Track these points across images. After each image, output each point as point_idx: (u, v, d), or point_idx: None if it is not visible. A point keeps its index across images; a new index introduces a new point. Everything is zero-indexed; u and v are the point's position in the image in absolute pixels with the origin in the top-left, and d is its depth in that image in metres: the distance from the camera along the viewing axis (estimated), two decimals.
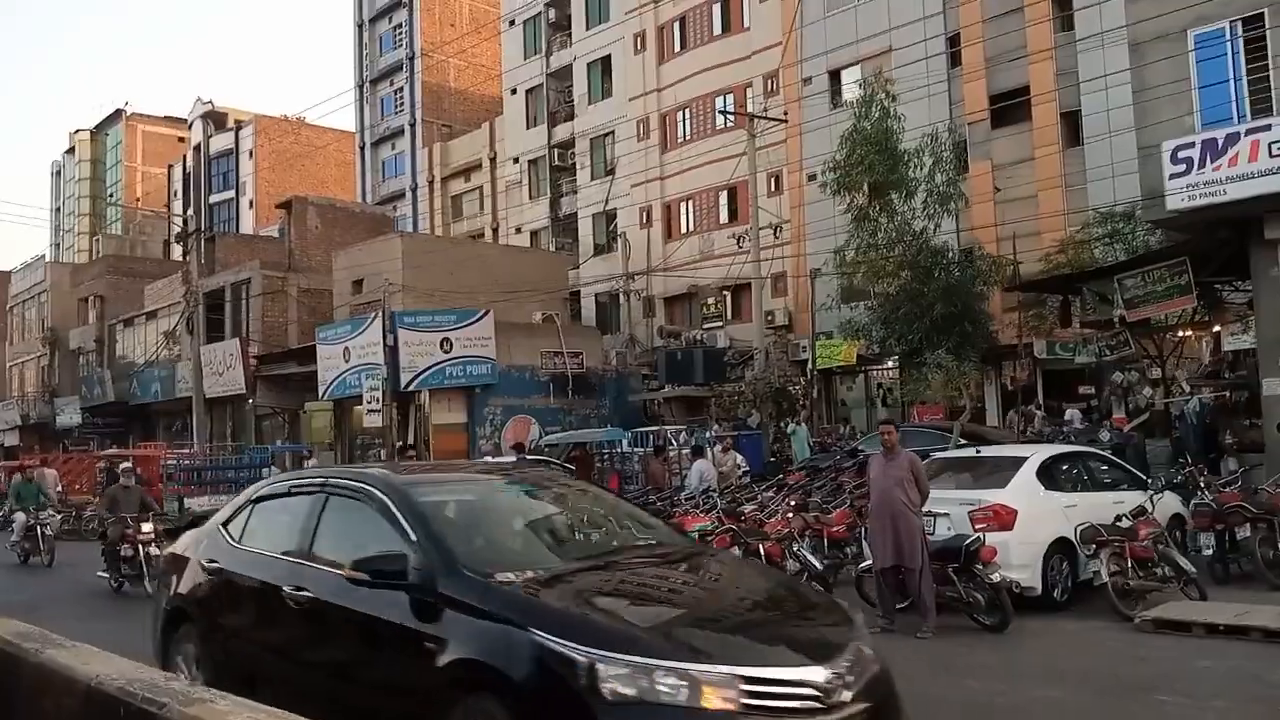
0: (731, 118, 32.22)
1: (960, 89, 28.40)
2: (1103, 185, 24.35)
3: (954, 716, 6.76)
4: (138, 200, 70.17)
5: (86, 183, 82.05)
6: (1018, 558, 9.73)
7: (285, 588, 5.30)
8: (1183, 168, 13.58)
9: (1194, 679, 7.57)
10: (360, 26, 54.22)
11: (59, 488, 25.66)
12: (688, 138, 36.12)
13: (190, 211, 55.48)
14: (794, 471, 18.02)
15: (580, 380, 30.40)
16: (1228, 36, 14.01)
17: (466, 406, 28.81)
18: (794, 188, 31.84)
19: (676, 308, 36.50)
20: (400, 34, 52.10)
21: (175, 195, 65.66)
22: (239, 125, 62.29)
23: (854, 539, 12.15)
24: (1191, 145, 13.58)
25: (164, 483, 25.20)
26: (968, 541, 9.29)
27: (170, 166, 68.88)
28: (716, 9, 35.68)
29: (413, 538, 4.92)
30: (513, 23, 44.38)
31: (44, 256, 62.06)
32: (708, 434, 22.75)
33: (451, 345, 28.02)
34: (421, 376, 27.81)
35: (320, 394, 30.69)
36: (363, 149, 53.86)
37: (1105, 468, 11.90)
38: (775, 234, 28.82)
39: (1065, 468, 11.28)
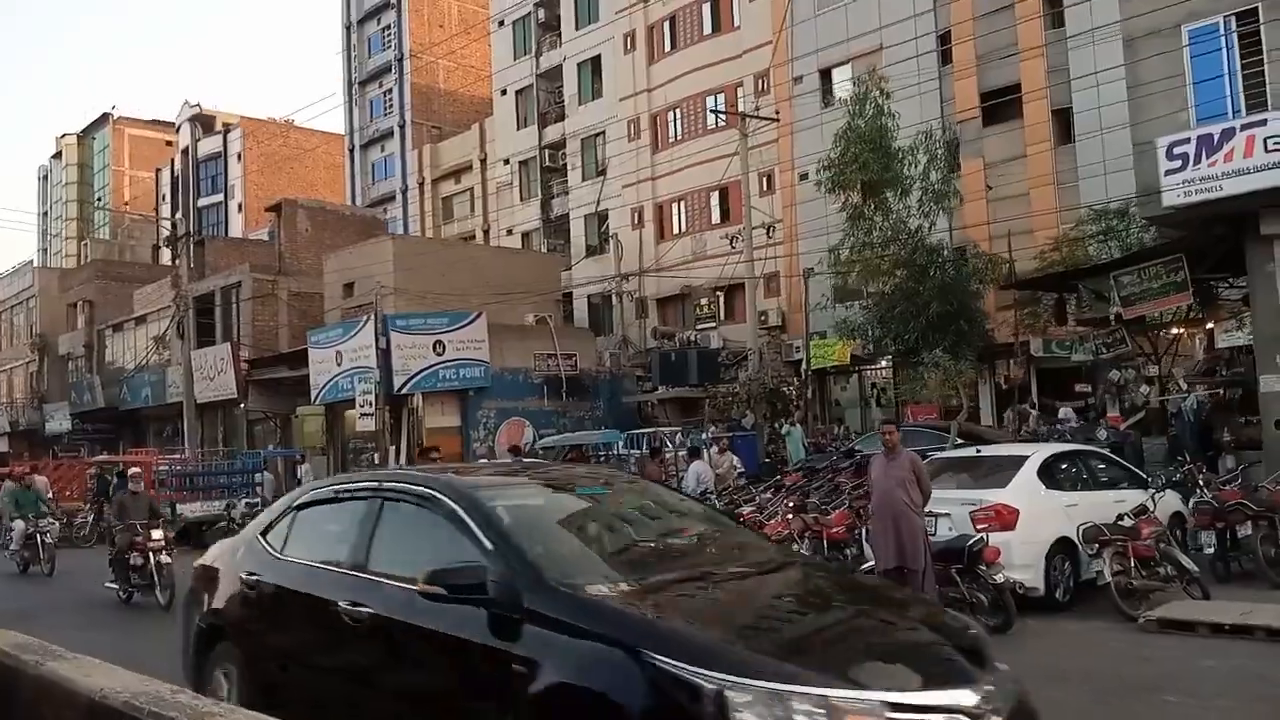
0: (723, 117, 32.20)
1: (951, 87, 28.38)
2: (1095, 183, 24.36)
3: None
4: (126, 204, 69.83)
5: (74, 187, 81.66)
6: (1020, 558, 9.69)
7: (340, 603, 4.83)
8: (1178, 163, 13.56)
9: (1198, 679, 7.52)
10: (348, 28, 54.04)
11: (50, 494, 25.47)
12: (679, 138, 36.05)
13: (179, 215, 55.16)
14: (791, 472, 17.94)
15: (574, 382, 30.31)
16: (1222, 31, 14.01)
17: (460, 410, 28.69)
18: (785, 187, 31.82)
19: (669, 309, 36.43)
20: (389, 35, 51.95)
21: (163, 199, 65.39)
22: (227, 128, 62.09)
23: (854, 540, 12.09)
24: (1187, 141, 13.56)
25: (156, 489, 24.95)
26: (970, 542, 9.24)
27: (158, 170, 68.60)
28: (706, 8, 35.60)
29: (488, 547, 4.46)
30: (502, 23, 44.26)
31: (32, 262, 61.72)
32: (704, 435, 22.68)
33: (444, 348, 27.91)
34: (414, 380, 27.69)
35: (312, 398, 30.54)
36: (352, 151, 53.69)
37: (1105, 466, 11.87)
38: (768, 234, 28.78)
39: (1065, 466, 11.25)
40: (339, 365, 28.89)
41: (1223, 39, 14.04)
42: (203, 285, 36.94)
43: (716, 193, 34.16)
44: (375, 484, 5.56)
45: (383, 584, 4.77)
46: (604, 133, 38.73)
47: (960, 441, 16.46)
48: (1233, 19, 13.96)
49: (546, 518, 5.21)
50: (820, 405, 30.50)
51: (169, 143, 70.93)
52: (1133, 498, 10.70)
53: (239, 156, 60.15)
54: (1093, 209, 20.95)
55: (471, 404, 28.62)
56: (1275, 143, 12.91)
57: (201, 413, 34.15)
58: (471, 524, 4.63)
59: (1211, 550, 11.05)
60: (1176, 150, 13.61)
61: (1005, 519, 9.83)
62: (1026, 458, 10.96)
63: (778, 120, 29.91)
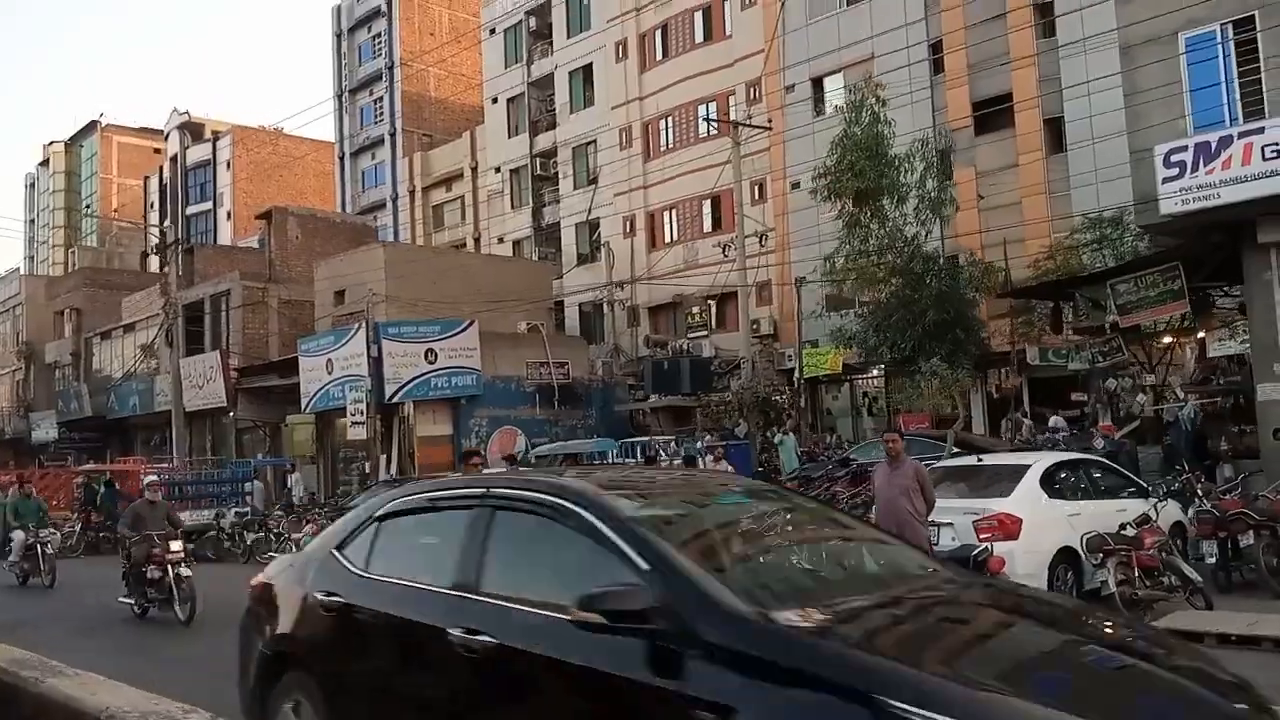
0: (715, 126, 32.19)
1: (943, 96, 28.43)
2: (1087, 191, 24.43)
3: None
4: (115, 211, 69.49)
5: (61, 195, 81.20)
6: (1023, 567, 9.59)
7: (452, 630, 4.14)
8: (1175, 171, 13.56)
9: None
10: (339, 36, 53.94)
11: None
12: (670, 146, 36.04)
13: (167, 223, 54.90)
14: (786, 482, 17.86)
15: (566, 390, 30.21)
16: (1219, 39, 14.01)
17: (452, 418, 28.55)
18: (778, 196, 31.83)
19: (661, 317, 36.37)
20: (379, 43, 51.86)
21: (152, 207, 65.03)
22: (216, 136, 61.83)
23: None
24: (1184, 149, 13.56)
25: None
26: (976, 552, 9.15)
27: (146, 178, 68.26)
28: (698, 17, 35.65)
29: (643, 566, 3.78)
30: (493, 31, 44.23)
31: (18, 269, 61.33)
32: (698, 444, 22.61)
33: (436, 356, 27.78)
34: (406, 388, 27.55)
35: (303, 406, 30.35)
36: (342, 159, 53.56)
37: (1106, 475, 11.81)
38: (761, 242, 28.75)
39: (1066, 476, 11.18)
40: (330, 373, 28.73)
41: (1220, 46, 14.04)
42: (192, 293, 36.75)
43: (708, 201, 34.17)
44: (481, 491, 4.87)
45: (505, 608, 4.12)
46: (595, 141, 38.73)
47: (956, 450, 16.40)
48: (1230, 26, 13.97)
49: (698, 531, 4.54)
50: (812, 414, 30.49)
51: (157, 150, 70.57)
52: (1134, 507, 10.64)
53: (228, 164, 59.92)
54: (1087, 217, 20.93)
55: (463, 412, 28.48)
56: (1273, 150, 12.91)
57: (190, 421, 33.92)
58: (617, 539, 3.95)
59: (1213, 560, 10.99)
60: (1174, 158, 13.60)
61: (1009, 529, 9.75)
62: (1028, 467, 10.88)
63: (770, 129, 29.89)
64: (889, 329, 18.23)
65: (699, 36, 35.63)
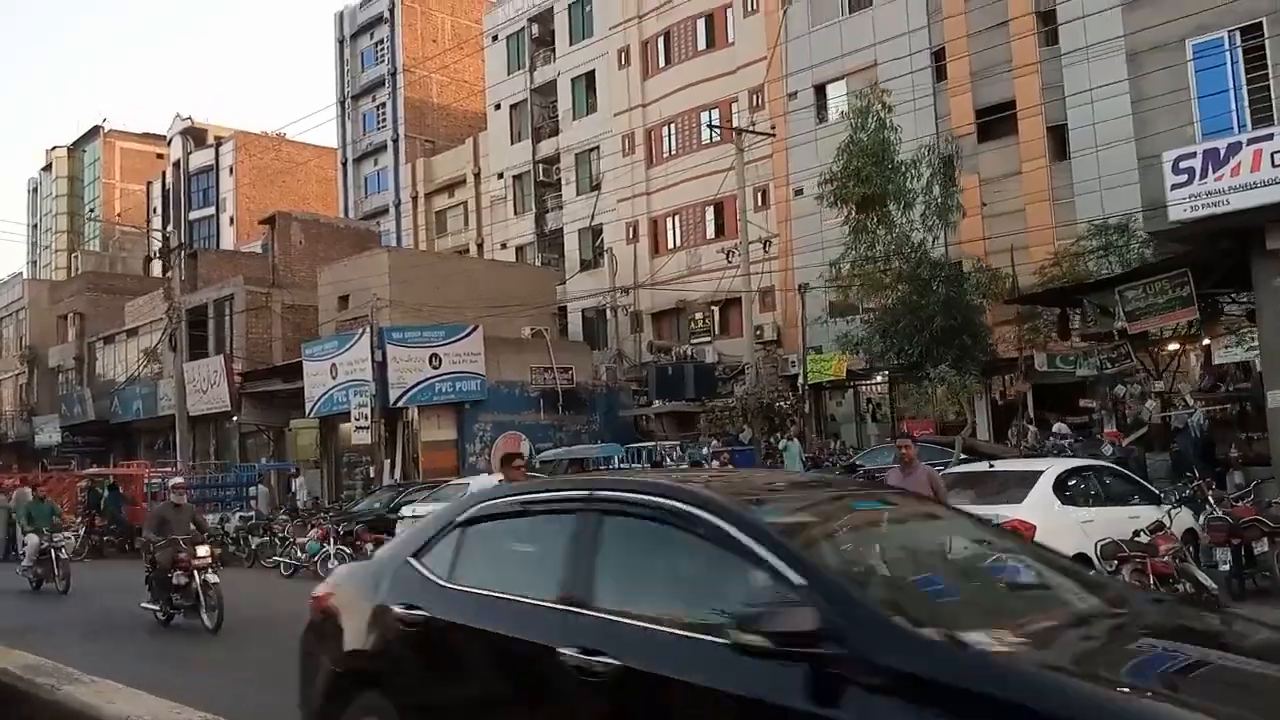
0: (717, 132, 32.20)
1: (946, 103, 28.41)
2: (1090, 199, 24.36)
3: None
4: (119, 215, 69.52)
5: (64, 200, 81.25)
6: None
7: (563, 650, 3.71)
8: (1184, 178, 13.52)
9: None
10: (341, 42, 53.99)
11: None
12: (673, 153, 36.04)
13: (170, 228, 54.95)
14: None
15: (570, 396, 30.20)
16: (1227, 46, 13.99)
17: (456, 423, 28.54)
18: (781, 202, 31.84)
19: (664, 323, 36.35)
20: (382, 50, 51.91)
21: (154, 212, 65.09)
22: (219, 141, 61.88)
23: None
24: (1193, 155, 13.52)
25: (149, 502, 24.75)
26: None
27: (149, 183, 68.29)
28: (701, 24, 35.66)
29: (796, 580, 3.33)
30: (496, 38, 44.29)
31: (21, 273, 61.36)
32: (704, 450, 22.57)
33: (440, 361, 27.78)
34: (410, 393, 27.54)
35: (307, 411, 30.33)
36: (345, 165, 53.58)
37: (1117, 482, 11.76)
38: (765, 248, 28.75)
39: (1077, 482, 11.11)
40: (334, 378, 28.73)
41: (1228, 53, 14.03)
42: (195, 297, 36.76)
43: (711, 208, 34.16)
44: (584, 494, 4.40)
45: (628, 626, 3.67)
46: (598, 147, 38.75)
47: (964, 457, 16.35)
48: (1237, 33, 13.96)
49: (848, 541, 4.11)
50: (815, 420, 30.43)
51: (160, 156, 70.61)
52: (1146, 514, 10.59)
53: (231, 170, 59.97)
54: (1093, 224, 20.90)
55: (468, 417, 28.47)
56: None
57: (193, 426, 33.90)
58: (764, 551, 3.49)
59: (1227, 567, 10.93)
60: (1183, 164, 13.57)
61: (1022, 535, 9.68)
62: (1041, 473, 10.82)
63: (773, 135, 29.89)
64: (896, 334, 18.19)
65: (701, 44, 35.64)
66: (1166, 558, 9.62)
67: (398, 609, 4.49)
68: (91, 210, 75.91)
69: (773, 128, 30.33)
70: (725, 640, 3.27)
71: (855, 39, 30.23)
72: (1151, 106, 14.73)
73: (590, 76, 39.48)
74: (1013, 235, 24.86)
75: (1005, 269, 22.22)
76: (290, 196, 56.00)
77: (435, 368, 27.70)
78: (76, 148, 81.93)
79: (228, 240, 58.22)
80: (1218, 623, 3.91)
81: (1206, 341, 19.91)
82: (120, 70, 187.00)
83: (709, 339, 33.31)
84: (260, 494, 25.85)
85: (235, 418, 34.78)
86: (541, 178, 41.55)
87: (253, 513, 24.50)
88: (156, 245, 38.76)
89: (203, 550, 12.06)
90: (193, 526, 12.57)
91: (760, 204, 31.93)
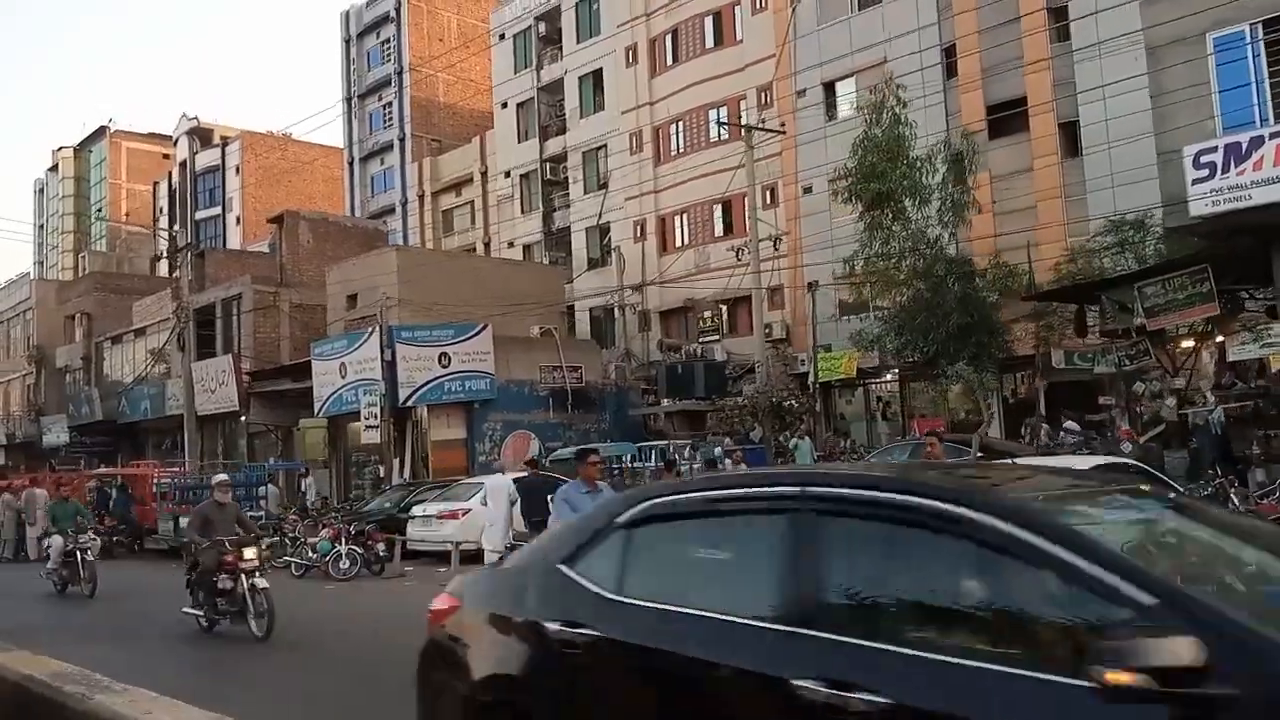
0: (725, 130, 32.07)
1: (957, 99, 28.26)
2: (1103, 195, 24.23)
3: None
4: (127, 215, 69.56)
5: (70, 200, 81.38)
6: None
7: (800, 682, 3.06)
8: (1205, 173, 13.39)
9: None
10: (347, 42, 53.94)
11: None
12: (681, 151, 35.91)
13: (177, 227, 54.96)
14: None
15: (580, 395, 30.09)
16: (1248, 39, 13.85)
17: (466, 422, 28.44)
18: (789, 200, 31.70)
19: (672, 321, 36.24)
20: (388, 49, 51.86)
21: (161, 212, 65.18)
22: (225, 141, 61.91)
23: None
24: (1214, 150, 13.39)
25: (158, 501, 24.70)
26: None
27: (155, 183, 68.39)
28: (709, 21, 35.53)
29: (1144, 600, 2.68)
30: (502, 36, 44.20)
31: (28, 274, 61.41)
32: (716, 449, 22.48)
33: (450, 360, 27.69)
34: (420, 392, 27.45)
35: (316, 410, 30.26)
36: (351, 164, 53.54)
37: (1140, 479, 11.61)
38: (775, 246, 28.64)
39: None
40: (343, 377, 28.65)
41: (1249, 46, 13.88)
42: (203, 297, 36.71)
43: (719, 206, 34.03)
44: (793, 490, 3.67)
45: (896, 655, 3.00)
46: (606, 146, 38.63)
47: (980, 455, 16.23)
48: (1259, 26, 13.82)
49: (1175, 552, 3.43)
50: (825, 418, 30.32)
51: (166, 156, 70.72)
52: None
53: (237, 169, 59.98)
54: (1109, 220, 20.75)
55: (477, 416, 28.38)
56: None
57: (201, 425, 33.87)
58: (1086, 564, 2.80)
59: None
60: (1204, 159, 13.44)
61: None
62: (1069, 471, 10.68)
63: (783, 133, 29.74)
64: (913, 331, 18.06)
65: (709, 41, 35.51)
66: None
67: (553, 626, 3.82)
68: (99, 210, 75.96)
69: (782, 125, 30.19)
70: (1064, 677, 2.62)
71: (865, 36, 30.09)
72: (1171, 101, 14.58)
73: (598, 74, 39.37)
74: (1024, 232, 24.74)
75: (1021, 265, 22.07)
76: (296, 196, 55.97)
77: (445, 367, 27.61)
78: (83, 148, 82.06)
79: (234, 240, 58.22)
80: None
81: (1220, 339, 19.77)
82: (126, 71, 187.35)
83: (717, 338, 33.21)
84: (270, 494, 25.73)
85: (243, 417, 34.74)
86: (549, 176, 41.44)
87: (263, 512, 24.38)
88: (164, 245, 38.72)
89: (250, 552, 11.31)
90: (238, 527, 11.84)
91: (769, 202, 31.79)
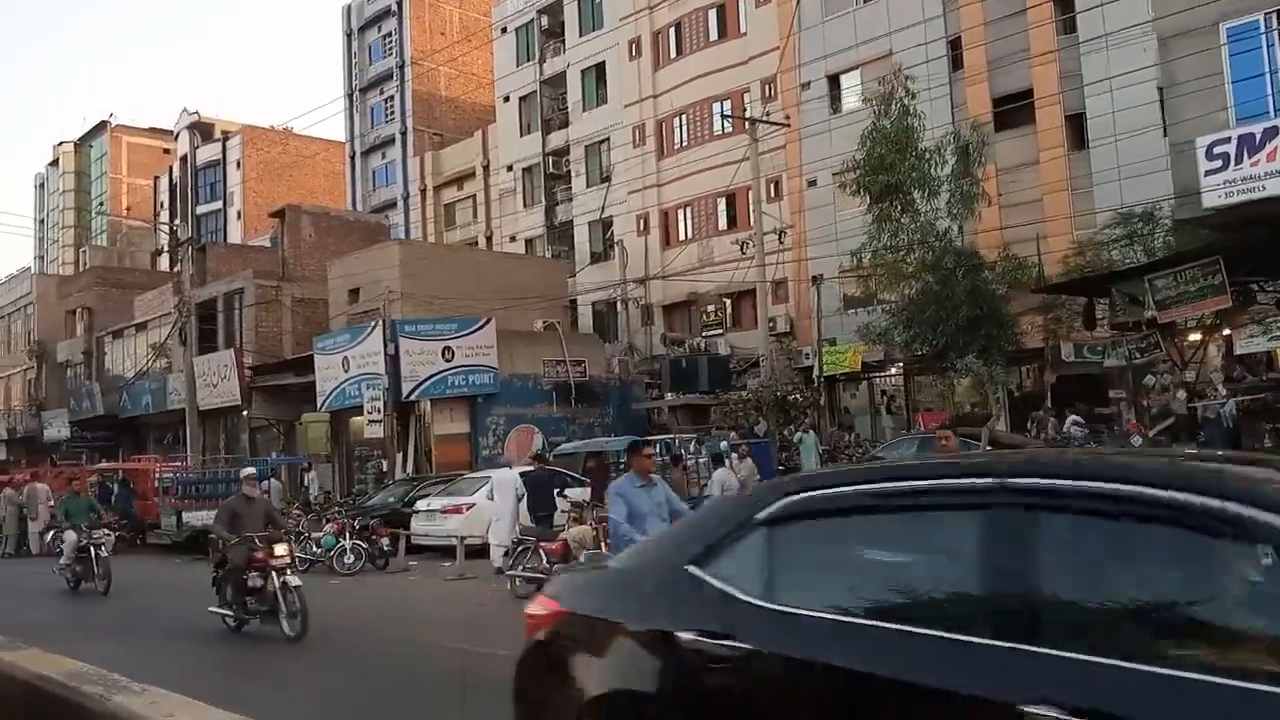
0: (729, 123, 31.94)
1: (963, 92, 28.14)
2: (1109, 188, 24.14)
3: None
4: (129, 209, 69.41)
5: (71, 195, 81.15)
6: None
7: (1035, 710, 2.60)
8: (1219, 163, 13.28)
9: None
10: (349, 35, 53.82)
11: (51, 502, 25.05)
12: (685, 144, 35.77)
13: (179, 221, 54.83)
14: None
15: (583, 389, 29.98)
16: (1262, 29, 13.71)
17: (469, 416, 28.34)
18: (793, 193, 31.58)
19: (675, 315, 36.13)
20: (390, 43, 51.73)
21: (162, 207, 65.06)
22: (226, 136, 61.78)
23: None
24: (1227, 140, 13.28)
25: (160, 496, 24.61)
26: None
27: (156, 178, 68.24)
28: (712, 14, 35.38)
29: None
30: (505, 30, 44.03)
31: (29, 268, 61.30)
32: (722, 443, 22.38)
33: (453, 354, 27.60)
34: (423, 386, 27.35)
35: (319, 405, 30.17)
36: (353, 158, 53.45)
37: None
38: (780, 239, 28.53)
39: None
40: (346, 371, 28.55)
41: (1263, 36, 13.74)
42: (205, 291, 36.59)
43: (723, 199, 33.91)
44: (987, 481, 3.14)
45: (1157, 678, 2.53)
46: (609, 139, 38.49)
47: (989, 448, 16.13)
48: (1274, 16, 13.68)
49: None
50: (830, 412, 30.23)
51: (167, 150, 70.54)
52: None
53: (238, 164, 59.86)
54: (1118, 212, 20.65)
55: (480, 411, 28.27)
56: None
57: (203, 420, 33.80)
58: None
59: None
60: (1217, 150, 13.32)
61: None
62: None
63: (788, 125, 29.60)
64: (921, 324, 17.96)
65: (713, 34, 35.36)
66: None
67: (687, 635, 3.34)
68: (100, 205, 75.82)
69: (787, 118, 30.05)
70: None
71: (869, 28, 29.96)
72: (1183, 92, 14.46)
73: (600, 68, 39.22)
74: (1030, 225, 24.64)
75: (1030, 257, 21.95)
76: (298, 190, 55.84)
77: (448, 361, 27.50)
78: (83, 143, 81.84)
79: (235, 235, 58.13)
80: None
81: (1227, 332, 19.66)
82: (127, 65, 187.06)
83: (721, 331, 33.11)
84: (273, 488, 25.62)
85: (245, 412, 34.66)
86: (551, 170, 41.32)
87: None
88: (165, 240, 38.60)
89: (280, 549, 10.84)
90: (266, 523, 11.28)
91: (773, 195, 31.67)
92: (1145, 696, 2.52)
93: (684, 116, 35.94)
